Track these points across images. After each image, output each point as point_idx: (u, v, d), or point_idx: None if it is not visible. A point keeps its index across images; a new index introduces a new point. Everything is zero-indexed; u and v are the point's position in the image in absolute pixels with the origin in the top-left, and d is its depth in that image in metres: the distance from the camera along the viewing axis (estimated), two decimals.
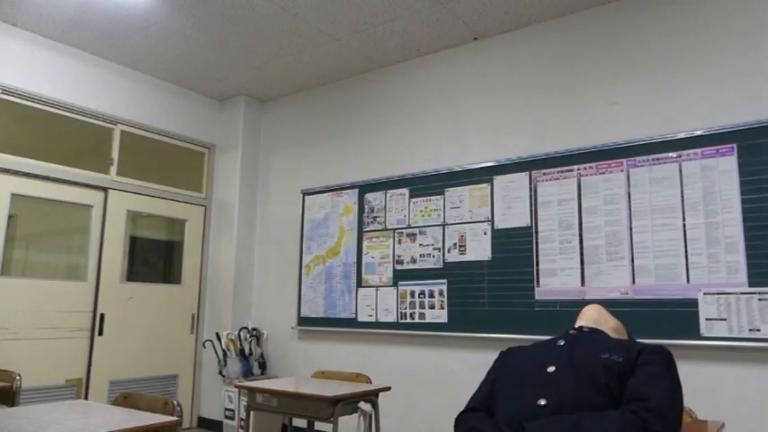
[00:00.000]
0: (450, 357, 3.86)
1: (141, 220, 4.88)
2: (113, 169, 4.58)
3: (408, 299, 4.06)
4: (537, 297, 3.48)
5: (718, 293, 2.95)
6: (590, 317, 1.61)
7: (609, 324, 1.59)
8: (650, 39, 3.39)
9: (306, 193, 4.85)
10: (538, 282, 3.49)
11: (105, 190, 4.51)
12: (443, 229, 3.99)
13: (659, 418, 1.20)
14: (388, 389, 3.14)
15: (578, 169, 3.49)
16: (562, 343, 1.46)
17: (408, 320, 4.05)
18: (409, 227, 4.16)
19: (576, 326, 1.57)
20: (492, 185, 3.81)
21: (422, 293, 4.00)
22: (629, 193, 3.30)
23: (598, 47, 3.57)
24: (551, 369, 1.37)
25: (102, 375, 4.33)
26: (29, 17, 3.91)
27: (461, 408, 1.62)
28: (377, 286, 4.26)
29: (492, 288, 3.69)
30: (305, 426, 3.43)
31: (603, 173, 3.40)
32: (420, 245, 4.08)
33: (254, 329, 4.81)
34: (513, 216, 3.69)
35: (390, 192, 4.32)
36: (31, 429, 1.85)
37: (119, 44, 4.28)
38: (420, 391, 3.96)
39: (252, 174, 5.25)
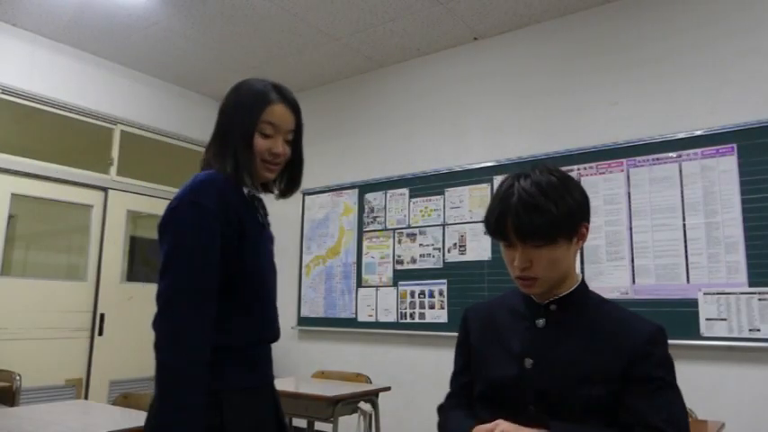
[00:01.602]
0: (450, 357, 3.84)
1: (141, 220, 4.88)
2: (113, 169, 4.58)
3: (408, 299, 4.06)
4: None
5: (718, 293, 2.95)
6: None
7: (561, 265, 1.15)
8: (650, 39, 3.39)
9: (306, 193, 4.85)
10: None
11: (105, 190, 4.51)
12: (443, 229, 3.99)
13: None
14: (388, 389, 3.14)
15: (578, 169, 3.49)
16: (530, 364, 1.15)
17: (408, 320, 4.05)
18: (409, 227, 4.16)
19: (543, 301, 1.19)
20: (492, 185, 3.81)
21: (422, 293, 4.00)
22: (629, 193, 3.30)
23: (598, 47, 3.57)
24: (531, 408, 1.13)
25: (102, 375, 4.32)
26: (29, 17, 3.91)
27: None
28: (377, 286, 4.26)
29: (492, 288, 3.69)
30: (305, 426, 3.43)
31: (603, 173, 3.40)
32: (420, 245, 4.08)
33: None
34: None
35: (390, 192, 4.32)
36: (31, 429, 1.85)
37: (119, 44, 4.28)
38: (420, 391, 3.96)
39: None
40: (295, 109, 1.39)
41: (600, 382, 1.08)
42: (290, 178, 1.44)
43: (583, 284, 1.21)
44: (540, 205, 1.08)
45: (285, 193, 1.46)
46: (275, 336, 1.39)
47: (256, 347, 1.34)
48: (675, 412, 1.07)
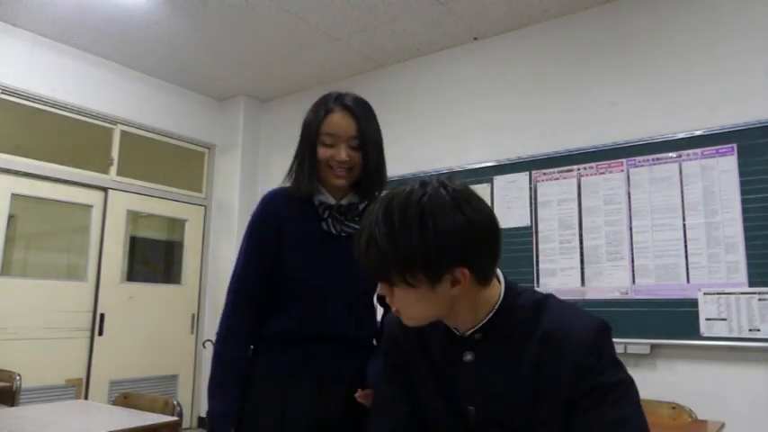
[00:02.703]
0: None
1: (141, 220, 4.88)
2: (113, 169, 4.58)
3: None
4: None
5: (718, 293, 2.95)
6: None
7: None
8: (650, 39, 3.39)
9: None
10: (538, 281, 3.49)
11: (105, 190, 4.51)
12: None
13: None
14: None
15: (578, 169, 3.49)
16: (473, 412, 1.00)
17: None
18: None
19: (463, 333, 1.01)
20: (492, 185, 3.81)
21: None
22: (629, 193, 3.30)
23: (598, 47, 3.57)
24: None
25: (102, 375, 4.33)
26: (29, 17, 3.91)
27: None
28: None
29: None
30: None
31: (603, 173, 3.40)
32: None
33: None
34: (513, 216, 3.68)
35: None
36: (31, 429, 1.85)
37: (119, 44, 4.28)
38: None
39: (252, 174, 5.24)
40: (356, 115, 1.45)
41: (551, 418, 0.93)
42: (367, 181, 1.48)
43: (506, 298, 0.99)
44: (378, 242, 0.89)
45: (366, 194, 1.50)
46: (321, 334, 1.44)
47: (296, 342, 1.43)
48: (618, 416, 0.90)
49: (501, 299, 0.99)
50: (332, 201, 1.49)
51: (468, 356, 0.99)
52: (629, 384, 0.93)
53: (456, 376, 1.01)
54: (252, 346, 1.51)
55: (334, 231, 1.47)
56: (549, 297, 1.02)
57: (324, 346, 1.44)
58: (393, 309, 0.99)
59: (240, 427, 1.42)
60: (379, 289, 0.98)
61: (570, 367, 0.91)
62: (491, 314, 0.98)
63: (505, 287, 1.00)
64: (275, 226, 1.47)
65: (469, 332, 0.99)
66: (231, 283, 1.49)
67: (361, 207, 1.52)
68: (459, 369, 1.00)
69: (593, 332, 0.93)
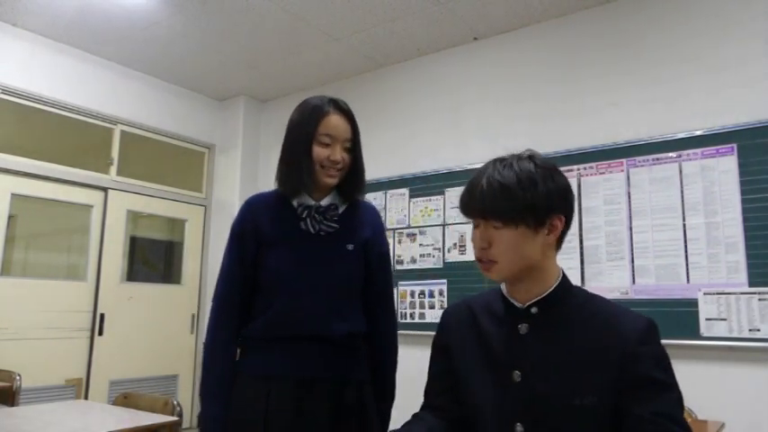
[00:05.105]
0: None
1: (141, 220, 4.88)
2: (113, 169, 4.58)
3: (408, 299, 4.06)
4: None
5: (718, 293, 2.95)
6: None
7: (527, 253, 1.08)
8: (650, 39, 3.39)
9: None
10: None
11: (105, 190, 4.51)
12: (443, 229, 3.98)
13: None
14: None
15: (578, 169, 3.49)
16: (518, 377, 1.08)
17: (408, 320, 4.05)
18: (409, 227, 4.16)
19: (523, 304, 1.13)
20: None
21: (422, 293, 4.00)
22: (629, 193, 3.30)
23: (598, 47, 3.57)
24: (518, 425, 1.06)
25: (102, 375, 4.33)
26: (29, 17, 3.91)
27: None
28: None
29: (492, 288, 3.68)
30: None
31: (603, 173, 3.40)
32: (420, 245, 4.08)
33: None
34: None
35: (390, 192, 4.32)
36: (31, 429, 1.85)
37: (119, 44, 4.28)
38: (421, 390, 3.95)
39: (252, 174, 5.24)
40: (350, 119, 1.52)
41: (591, 391, 1.00)
42: (352, 183, 1.55)
43: (564, 281, 1.13)
44: (507, 186, 1.06)
45: (348, 196, 1.56)
46: (302, 332, 1.46)
47: (277, 341, 1.47)
48: (678, 416, 0.97)
49: (560, 279, 1.13)
50: (311, 202, 1.52)
51: (524, 328, 1.11)
52: (679, 393, 1.01)
53: (507, 346, 1.12)
54: (238, 348, 1.55)
55: (312, 231, 1.50)
56: (600, 296, 1.14)
57: (305, 345, 1.47)
58: (491, 258, 1.10)
59: (226, 425, 1.46)
60: (480, 244, 1.11)
61: (617, 355, 1.00)
62: (551, 289, 1.11)
63: (563, 274, 1.15)
64: (253, 230, 1.51)
65: (528, 304, 1.12)
66: (216, 289, 1.56)
67: (341, 209, 1.55)
68: (511, 340, 1.12)
69: (641, 326, 1.03)
